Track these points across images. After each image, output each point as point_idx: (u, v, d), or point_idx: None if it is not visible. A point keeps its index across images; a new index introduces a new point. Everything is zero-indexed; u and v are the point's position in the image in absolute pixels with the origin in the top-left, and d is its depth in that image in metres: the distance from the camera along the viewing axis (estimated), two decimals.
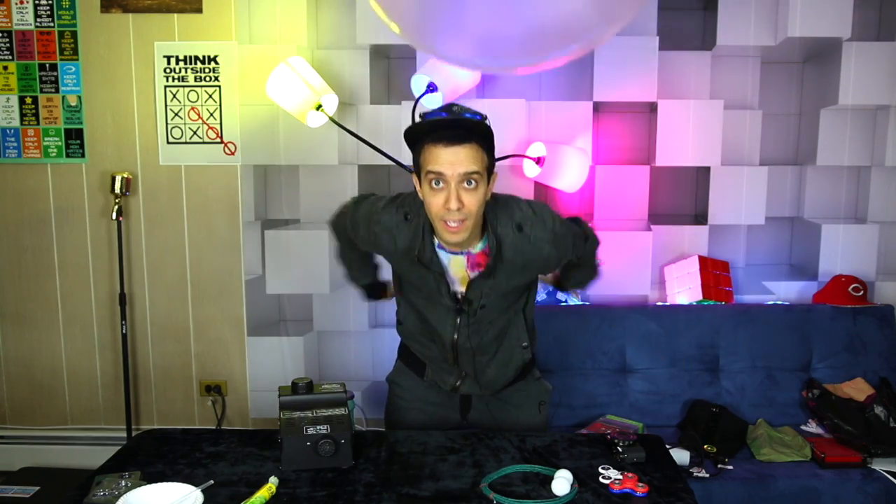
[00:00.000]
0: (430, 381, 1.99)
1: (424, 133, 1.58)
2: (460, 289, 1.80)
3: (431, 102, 2.69)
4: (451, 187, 1.57)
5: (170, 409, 3.15)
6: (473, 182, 1.58)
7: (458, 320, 1.83)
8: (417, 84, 2.73)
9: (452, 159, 1.56)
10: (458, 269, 1.78)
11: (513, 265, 1.75)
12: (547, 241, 1.74)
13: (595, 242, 2.02)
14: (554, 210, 1.80)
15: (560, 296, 3.04)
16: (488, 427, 2.01)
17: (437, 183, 1.58)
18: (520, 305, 1.90)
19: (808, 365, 2.84)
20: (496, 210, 1.73)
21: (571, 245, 1.82)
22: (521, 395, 2.01)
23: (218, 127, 2.96)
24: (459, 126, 1.57)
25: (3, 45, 2.94)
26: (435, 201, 1.60)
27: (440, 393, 2.00)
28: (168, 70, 2.93)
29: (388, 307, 3.27)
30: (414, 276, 1.82)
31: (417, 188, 1.68)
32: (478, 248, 1.74)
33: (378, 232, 1.80)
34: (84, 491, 1.50)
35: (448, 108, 1.60)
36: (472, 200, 1.59)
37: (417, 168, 1.64)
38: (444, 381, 1.95)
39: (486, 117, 1.60)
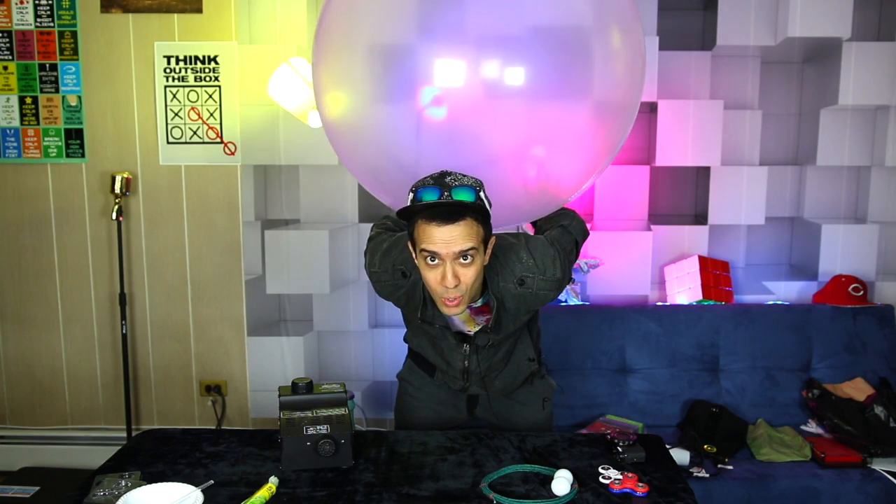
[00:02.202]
0: (440, 381, 2.01)
1: (417, 210, 1.53)
2: (467, 329, 1.82)
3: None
4: (446, 264, 1.54)
5: (170, 409, 3.15)
6: (469, 257, 1.54)
7: (468, 350, 1.85)
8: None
9: (447, 238, 1.51)
10: (462, 317, 1.79)
11: (517, 312, 1.76)
12: (550, 289, 1.73)
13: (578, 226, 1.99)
14: (553, 248, 1.75)
15: (560, 296, 3.04)
16: (494, 424, 2.04)
17: (433, 259, 1.55)
18: (525, 324, 1.91)
19: (808, 365, 2.84)
20: (496, 266, 1.69)
21: (570, 265, 1.82)
22: (526, 392, 2.04)
23: (218, 127, 2.96)
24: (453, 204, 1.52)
25: (3, 45, 2.94)
26: (431, 277, 1.57)
27: (449, 391, 2.03)
28: (168, 70, 2.93)
29: (388, 308, 3.28)
30: (418, 322, 1.84)
31: (413, 257, 1.64)
32: (479, 302, 1.73)
33: (379, 290, 1.82)
34: (84, 491, 1.50)
35: (441, 178, 1.53)
36: (469, 274, 1.56)
37: (412, 240, 1.60)
38: (454, 382, 1.97)
39: (480, 187, 1.55)
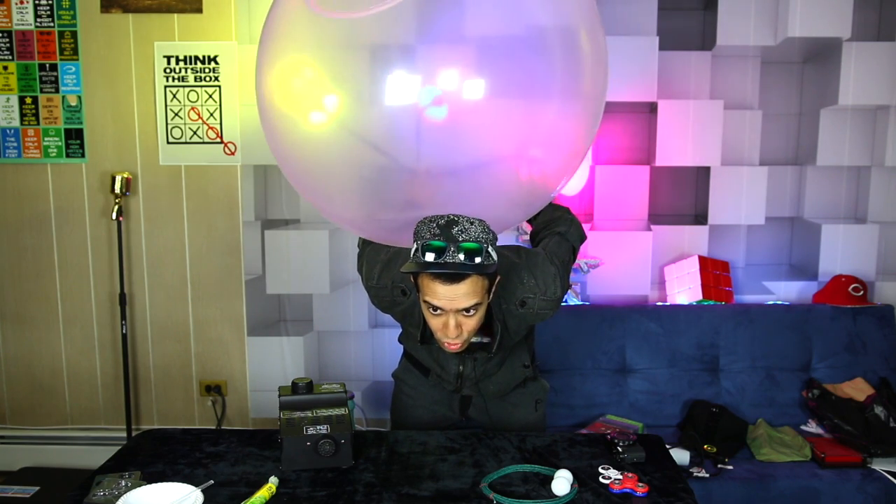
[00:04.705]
0: (435, 381, 2.01)
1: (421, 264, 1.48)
2: None
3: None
4: (449, 315, 1.54)
5: (170, 409, 3.15)
6: (473, 311, 1.54)
7: (463, 356, 1.86)
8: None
9: (451, 296, 1.50)
10: None
11: (517, 330, 1.77)
12: (550, 308, 1.73)
13: (576, 231, 1.96)
14: (553, 266, 1.73)
15: None
16: (486, 424, 2.04)
17: (436, 309, 1.54)
18: None
19: (808, 365, 2.84)
20: (497, 290, 1.66)
21: (568, 277, 1.81)
22: (519, 394, 2.03)
23: (218, 127, 2.96)
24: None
25: (3, 45, 2.94)
26: (434, 323, 1.58)
27: (444, 391, 2.03)
28: (168, 70, 2.93)
29: None
30: (416, 341, 1.83)
31: (415, 290, 1.62)
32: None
33: (377, 303, 1.81)
34: (84, 491, 1.50)
35: (447, 229, 1.47)
36: (472, 322, 1.56)
37: (416, 283, 1.58)
38: (448, 384, 1.97)
39: (488, 241, 1.49)
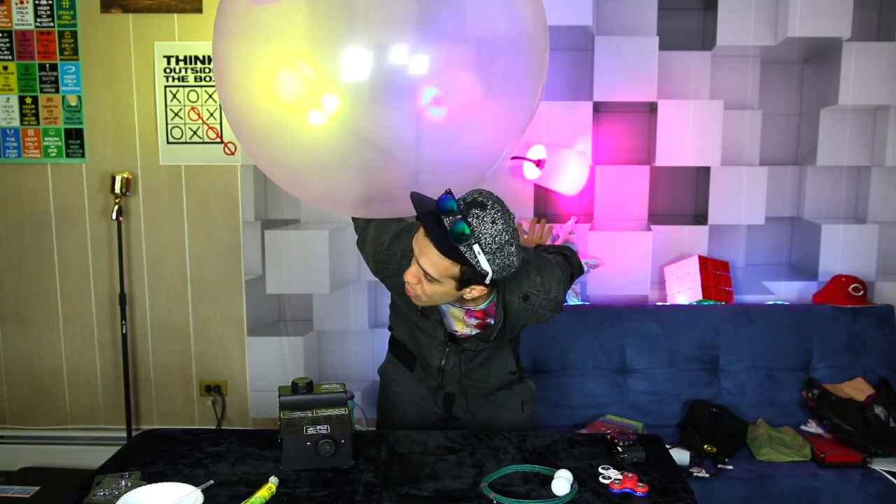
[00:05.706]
0: (420, 376, 2.02)
1: (420, 214, 1.53)
2: (457, 329, 1.83)
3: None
4: (414, 264, 1.58)
5: (170, 409, 3.15)
6: (431, 280, 1.57)
7: (448, 350, 1.87)
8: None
9: (422, 248, 1.55)
10: (456, 315, 1.80)
11: (512, 327, 1.80)
12: (550, 308, 1.77)
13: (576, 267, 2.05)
14: (560, 271, 1.80)
15: None
16: (471, 424, 2.07)
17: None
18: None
19: (808, 365, 2.84)
20: (505, 280, 1.68)
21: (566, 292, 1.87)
22: (504, 395, 2.05)
23: (218, 127, 2.96)
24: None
25: (3, 45, 2.94)
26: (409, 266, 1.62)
27: (428, 387, 2.05)
28: (168, 70, 2.93)
29: (388, 308, 3.28)
30: (412, 313, 1.85)
31: None
32: (480, 307, 1.74)
33: (380, 270, 1.83)
34: (84, 491, 1.50)
35: (469, 205, 1.49)
36: (429, 289, 1.59)
37: None
38: (432, 377, 1.99)
39: (482, 246, 1.49)
